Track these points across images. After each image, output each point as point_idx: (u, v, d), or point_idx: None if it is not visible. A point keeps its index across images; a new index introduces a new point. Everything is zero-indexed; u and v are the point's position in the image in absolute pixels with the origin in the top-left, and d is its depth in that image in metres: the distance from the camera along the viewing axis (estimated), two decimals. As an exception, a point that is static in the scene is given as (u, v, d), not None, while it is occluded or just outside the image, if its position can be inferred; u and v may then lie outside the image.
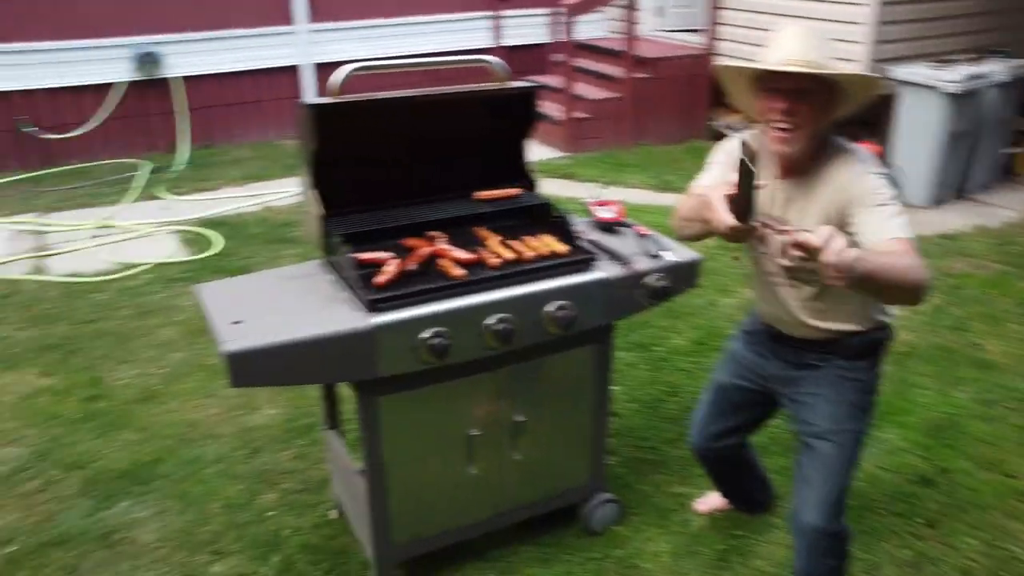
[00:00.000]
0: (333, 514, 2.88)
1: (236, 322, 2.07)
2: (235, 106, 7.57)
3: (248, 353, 1.97)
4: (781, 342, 2.27)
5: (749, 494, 2.83)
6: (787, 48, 1.90)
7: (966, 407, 3.55)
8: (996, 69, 6.09)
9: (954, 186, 6.30)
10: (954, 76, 5.79)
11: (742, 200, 1.78)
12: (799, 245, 1.69)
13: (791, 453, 2.50)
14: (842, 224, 1.92)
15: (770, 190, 2.05)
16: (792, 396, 2.29)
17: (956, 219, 5.92)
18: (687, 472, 3.12)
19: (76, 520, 2.87)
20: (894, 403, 3.55)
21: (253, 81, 7.58)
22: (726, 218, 1.82)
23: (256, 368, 2.02)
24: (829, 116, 1.97)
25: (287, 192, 6.22)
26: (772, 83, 1.91)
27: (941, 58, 6.35)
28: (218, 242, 5.25)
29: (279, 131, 7.81)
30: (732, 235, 1.85)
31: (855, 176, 1.94)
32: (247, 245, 5.24)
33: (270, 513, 2.90)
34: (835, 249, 1.66)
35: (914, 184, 6.18)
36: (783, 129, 1.92)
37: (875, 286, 1.79)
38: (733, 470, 2.72)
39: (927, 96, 5.92)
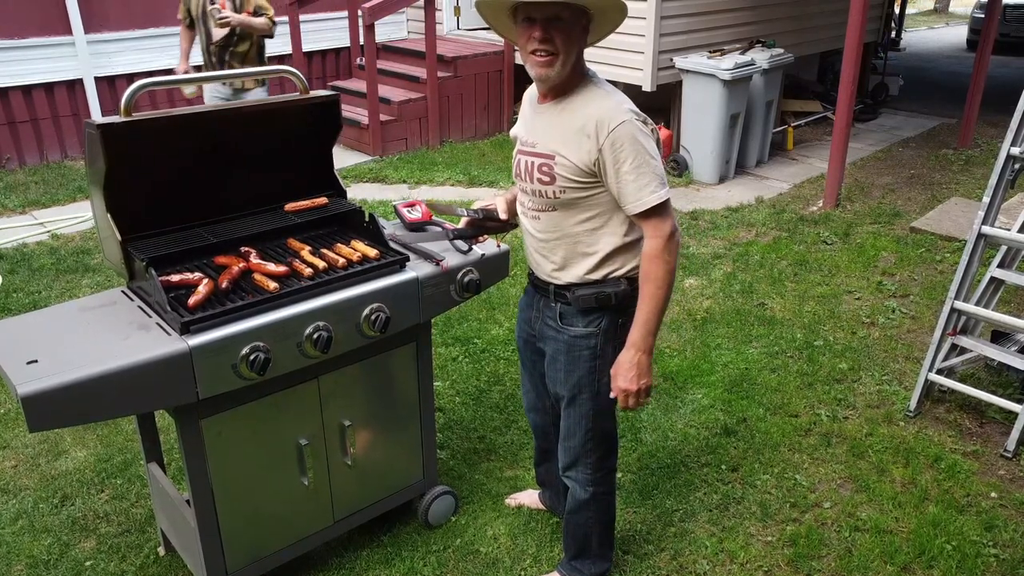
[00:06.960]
0: (161, 551, 2.75)
1: (31, 361, 1.94)
2: (5, 126, 6.89)
3: (48, 392, 1.85)
4: (536, 287, 2.40)
5: (559, 486, 2.70)
6: None
7: (757, 361, 3.97)
8: (760, 57, 6.79)
9: (735, 162, 6.96)
10: (728, 64, 6.39)
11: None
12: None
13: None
14: (580, 149, 2.05)
15: (530, 113, 2.24)
16: (544, 351, 2.43)
17: (739, 193, 6.55)
18: (516, 456, 3.27)
19: None
20: (699, 366, 3.90)
21: (26, 98, 6.93)
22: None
23: (60, 408, 1.89)
24: (582, 42, 2.08)
25: (78, 217, 5.78)
26: (528, 13, 2.02)
27: (715, 49, 6.98)
28: (-4, 279, 4.81)
29: (61, 152, 7.22)
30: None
31: (605, 109, 2.04)
32: (35, 279, 4.82)
33: (88, 563, 2.72)
34: (636, 384, 2.14)
35: (702, 164, 6.77)
36: (542, 56, 2.03)
37: (660, 314, 2.12)
38: (552, 446, 2.70)
39: (707, 83, 6.50)
